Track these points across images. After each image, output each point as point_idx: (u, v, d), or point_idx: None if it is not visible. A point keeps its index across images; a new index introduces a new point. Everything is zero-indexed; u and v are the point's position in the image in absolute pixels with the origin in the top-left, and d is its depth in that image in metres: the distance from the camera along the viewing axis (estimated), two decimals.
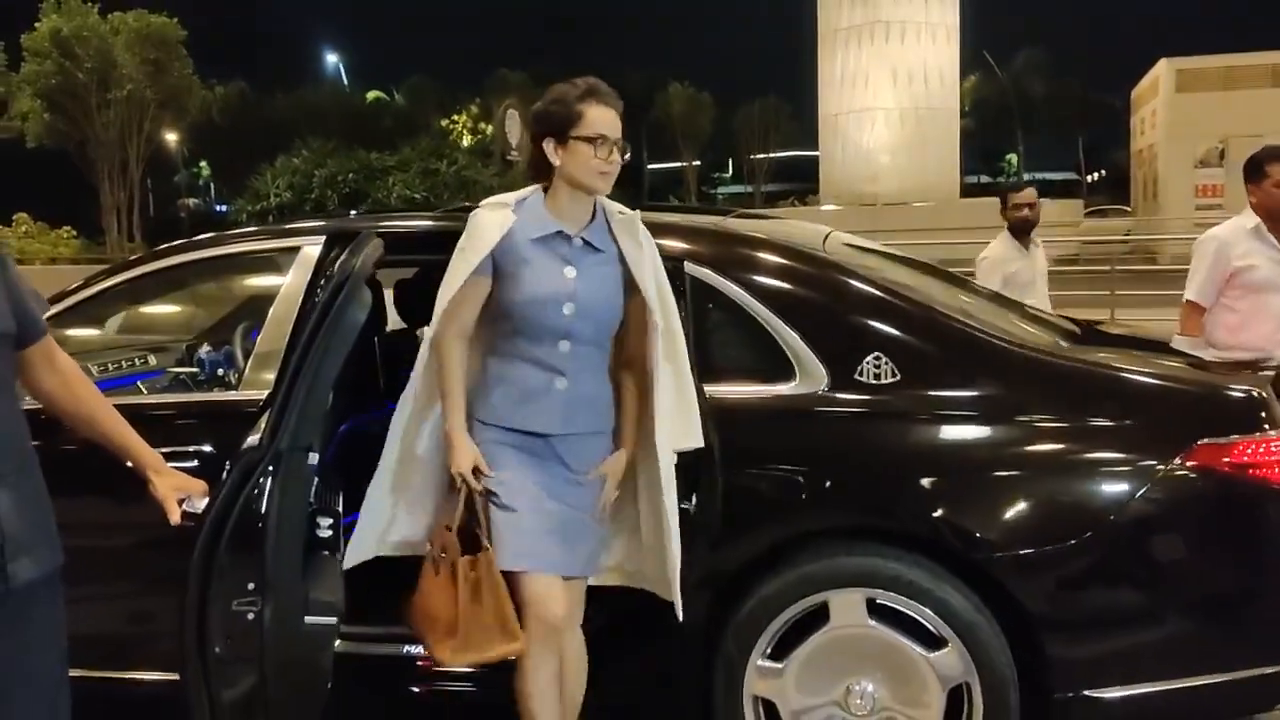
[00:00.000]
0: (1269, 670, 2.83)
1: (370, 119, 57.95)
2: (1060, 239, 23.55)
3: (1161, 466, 2.80)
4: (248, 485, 2.62)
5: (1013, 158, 68.28)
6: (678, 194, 56.30)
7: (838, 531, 3.03)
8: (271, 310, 3.33)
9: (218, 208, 60.57)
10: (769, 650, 3.00)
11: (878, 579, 2.92)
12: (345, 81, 73.90)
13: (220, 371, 3.88)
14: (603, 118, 2.76)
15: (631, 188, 54.34)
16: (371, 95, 69.09)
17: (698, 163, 65.58)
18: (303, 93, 62.06)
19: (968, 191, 44.75)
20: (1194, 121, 28.72)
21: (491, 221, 2.75)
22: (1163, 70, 30.87)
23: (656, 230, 3.14)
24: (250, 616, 2.61)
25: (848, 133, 29.23)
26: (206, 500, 2.49)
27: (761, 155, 62.98)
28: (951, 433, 2.97)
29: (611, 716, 3.21)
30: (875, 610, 2.93)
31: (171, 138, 46.83)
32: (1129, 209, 33.48)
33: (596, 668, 3.02)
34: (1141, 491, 2.81)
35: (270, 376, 3.17)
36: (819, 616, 2.96)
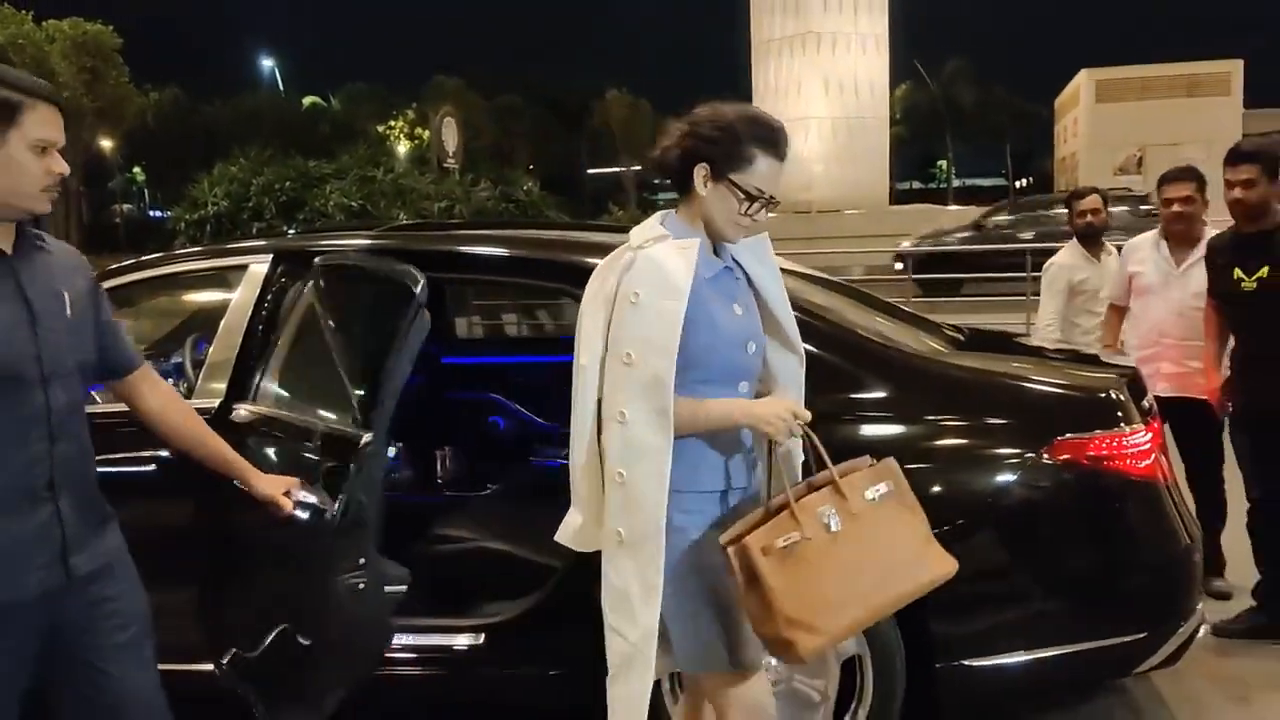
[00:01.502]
0: (1122, 640, 3.18)
1: (307, 125, 57.59)
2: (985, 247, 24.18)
3: (1029, 459, 3.13)
4: (359, 476, 2.92)
5: (944, 164, 69.60)
6: (617, 200, 56.51)
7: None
8: (222, 324, 3.56)
9: (153, 214, 59.77)
10: None
11: None
12: (281, 87, 73.21)
13: (171, 381, 4.08)
14: (771, 172, 2.51)
15: (572, 193, 54.59)
16: (308, 101, 68.60)
17: (637, 168, 65.90)
18: (239, 99, 61.48)
19: (902, 198, 45.57)
20: (1113, 130, 29.61)
21: (679, 265, 2.41)
22: (1083, 81, 31.76)
23: (588, 251, 3.48)
24: (360, 586, 3.02)
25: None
26: (305, 491, 2.80)
27: None
28: (845, 431, 3.25)
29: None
30: None
31: (107, 144, 46.20)
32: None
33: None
34: (1012, 481, 3.14)
35: (221, 386, 3.42)
36: None
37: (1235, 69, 31.76)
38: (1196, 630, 3.28)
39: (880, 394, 3.27)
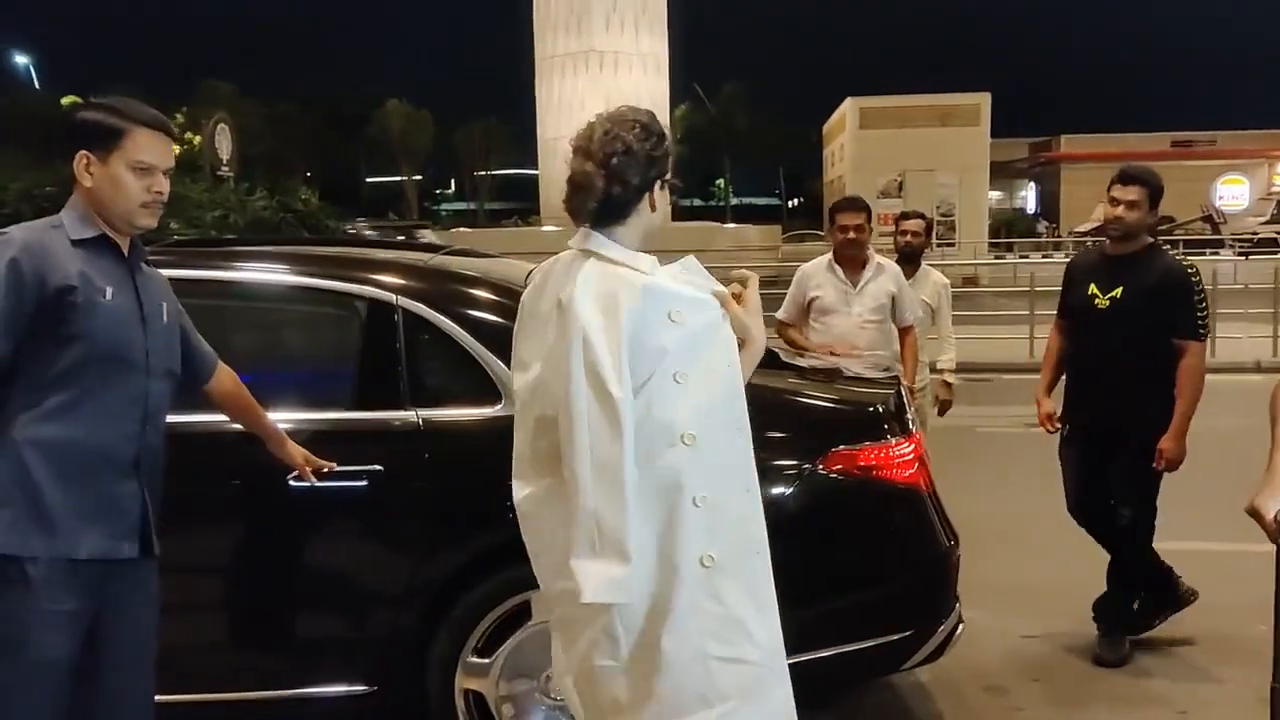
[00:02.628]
0: (893, 638, 3.40)
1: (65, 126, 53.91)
2: (761, 262, 25.09)
3: (806, 470, 3.31)
4: None
5: (722, 183, 71.77)
6: (397, 209, 55.55)
7: None
8: None
9: None
10: (479, 646, 3.33)
11: None
12: (36, 84, 68.40)
13: None
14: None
15: (351, 202, 53.19)
16: (67, 100, 64.28)
17: (419, 178, 64.98)
18: None
19: (684, 215, 46.61)
20: (876, 155, 31.27)
21: (686, 285, 2.46)
22: (848, 108, 33.45)
23: (370, 267, 3.48)
24: None
25: (566, 156, 29.82)
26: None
27: (484, 173, 63.22)
28: None
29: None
30: None
31: None
32: (823, 234, 35.90)
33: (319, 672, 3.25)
34: (790, 492, 3.31)
35: None
36: (523, 614, 3.30)
37: (984, 101, 34.15)
38: (957, 627, 3.53)
39: None
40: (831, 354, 4.59)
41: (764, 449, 3.30)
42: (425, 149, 61.73)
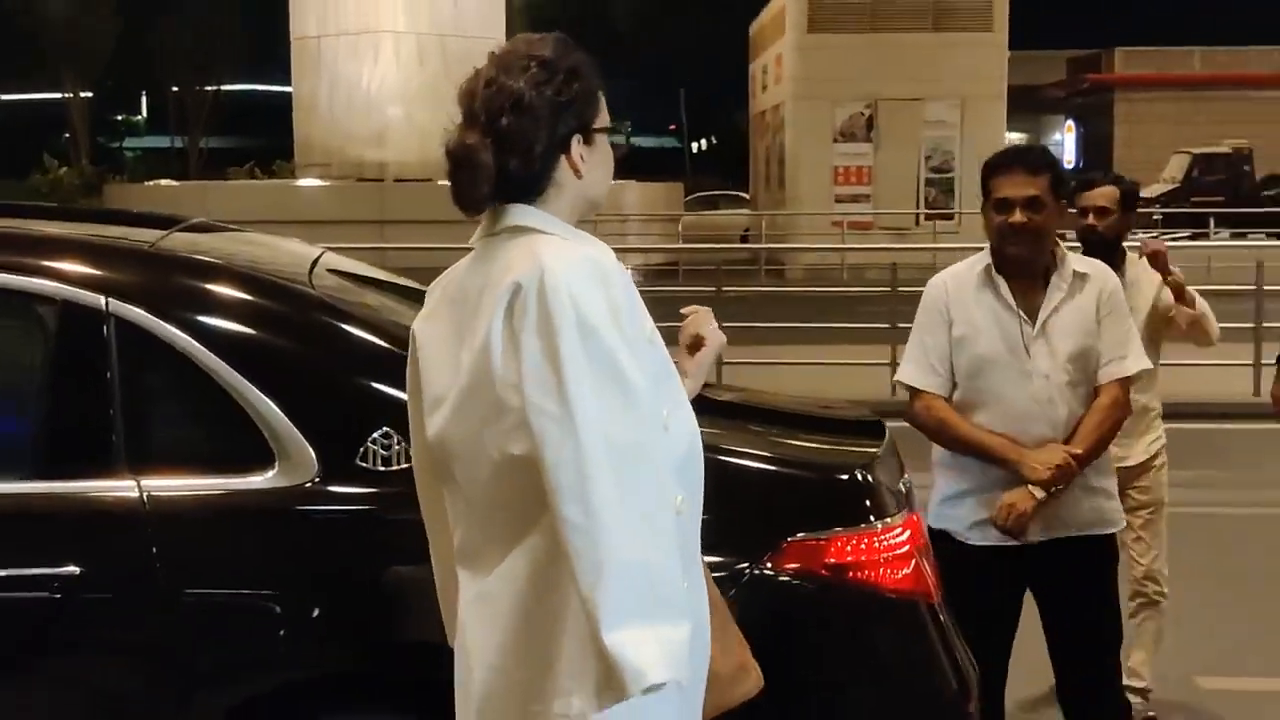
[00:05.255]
0: None
1: None
2: (655, 245, 25.34)
3: (746, 570, 3.47)
4: None
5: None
6: (55, 145, 54.38)
7: (331, 681, 3.49)
8: None
9: None
10: None
11: None
12: None
13: None
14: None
15: None
16: None
17: (89, 95, 63.64)
18: None
19: None
20: (832, 75, 31.69)
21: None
22: (790, 0, 33.83)
23: (61, 251, 3.62)
24: None
25: (336, 67, 29.51)
26: None
27: (203, 89, 62.24)
28: None
29: None
30: None
31: None
32: (747, 197, 36.42)
33: None
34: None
35: None
36: None
37: None
38: None
39: None
40: None
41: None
42: (103, 50, 60.45)
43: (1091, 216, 5.74)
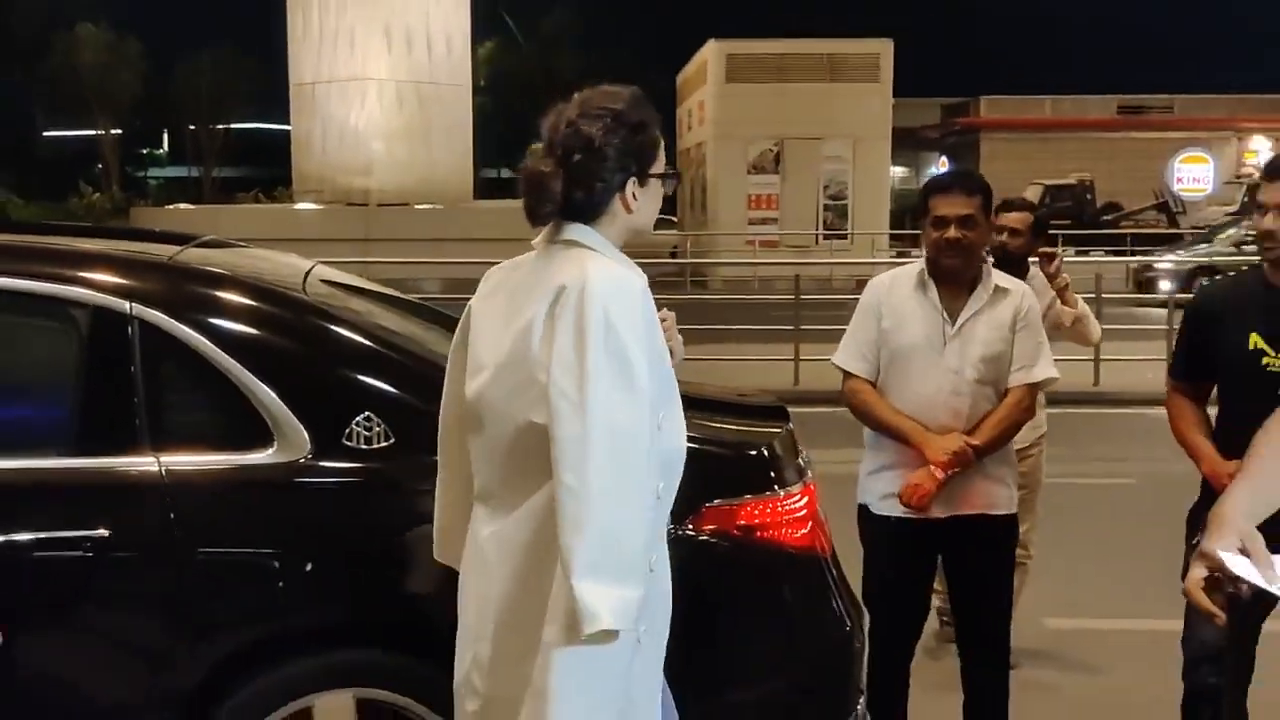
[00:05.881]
0: None
1: None
2: None
3: (673, 533, 3.46)
4: None
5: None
6: (90, 174, 53.82)
7: (323, 627, 3.49)
8: None
9: None
10: None
11: (369, 676, 3.41)
12: None
13: None
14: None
15: (20, 165, 51.24)
16: None
17: (119, 132, 62.99)
18: None
19: (487, 189, 46.47)
20: (746, 117, 31.76)
21: None
22: (711, 54, 33.84)
23: (93, 263, 3.56)
24: None
25: (329, 109, 29.39)
26: None
27: (215, 127, 61.75)
28: None
29: None
30: (368, 711, 3.41)
31: None
32: (674, 220, 36.39)
33: None
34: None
35: None
36: None
37: (885, 50, 35.07)
38: None
39: None
40: None
41: None
42: (131, 93, 59.82)
43: (1006, 235, 5.71)
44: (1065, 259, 5.51)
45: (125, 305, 3.48)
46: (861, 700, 3.81)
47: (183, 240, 4.18)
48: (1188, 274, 23.07)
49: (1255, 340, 3.57)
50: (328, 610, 3.48)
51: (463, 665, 2.92)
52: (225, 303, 3.63)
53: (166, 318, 3.48)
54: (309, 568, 3.43)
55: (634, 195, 2.87)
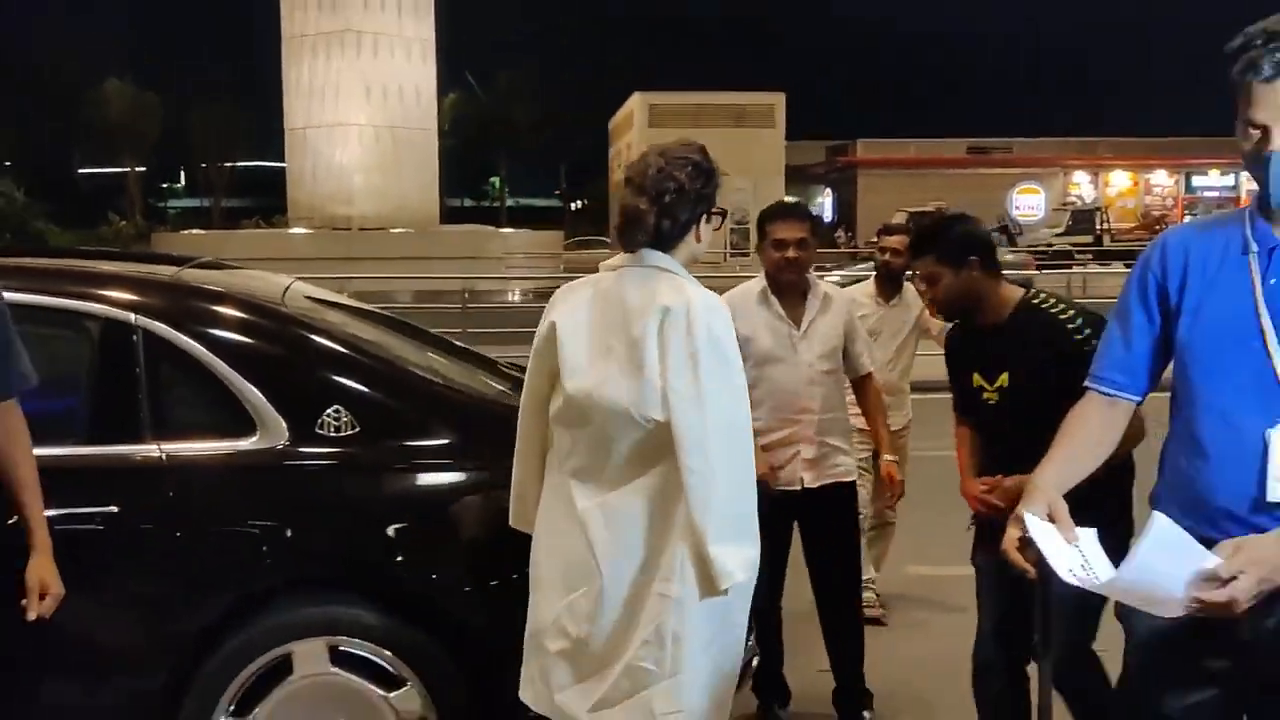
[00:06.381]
0: None
1: None
2: (543, 275, 25.30)
3: None
4: None
5: (496, 181, 71.72)
6: (118, 205, 52.97)
7: (301, 584, 3.43)
8: None
9: None
10: (233, 708, 3.33)
11: (339, 627, 3.35)
12: None
13: None
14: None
15: (62, 198, 50.36)
16: None
17: (142, 169, 62.10)
18: None
19: (453, 216, 46.29)
20: None
21: None
22: (636, 104, 34.12)
23: (105, 282, 3.47)
24: None
25: (318, 149, 29.21)
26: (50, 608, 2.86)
27: (223, 165, 61.08)
28: (409, 481, 3.48)
29: None
30: (339, 657, 3.35)
31: None
32: (609, 240, 36.45)
33: None
34: None
35: None
36: (284, 668, 3.33)
37: (778, 101, 35.49)
38: (751, 660, 3.69)
39: (453, 440, 3.49)
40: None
41: None
42: (152, 136, 58.98)
43: (889, 255, 5.62)
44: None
45: (131, 317, 3.41)
46: (751, 636, 3.79)
47: (181, 261, 4.10)
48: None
49: (976, 379, 3.56)
50: (304, 570, 3.42)
51: (547, 612, 2.96)
52: (215, 314, 3.56)
53: (166, 327, 3.41)
54: (288, 534, 3.38)
55: (701, 229, 2.97)
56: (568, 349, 2.90)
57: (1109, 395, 2.40)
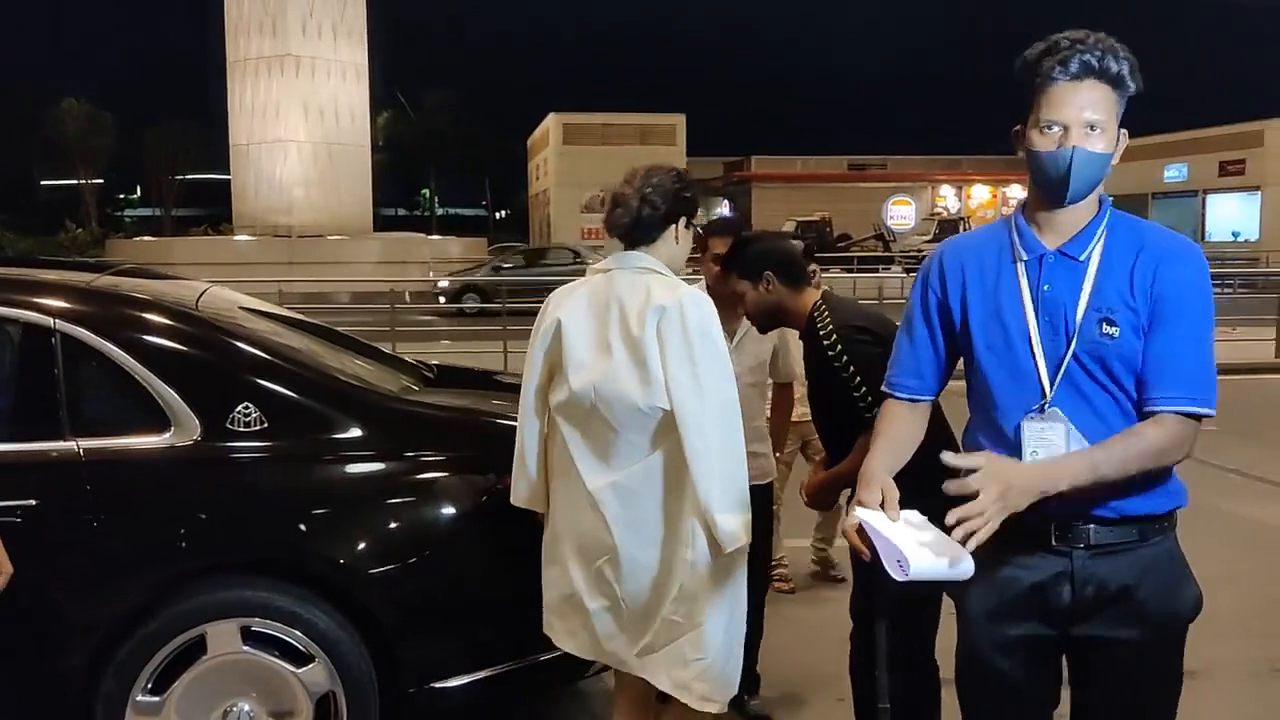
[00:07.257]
0: (564, 651, 3.40)
1: None
2: (470, 277, 25.09)
3: (500, 489, 3.33)
4: None
5: (427, 192, 70.94)
6: (75, 214, 51.37)
7: (214, 569, 3.28)
8: None
9: None
10: (149, 685, 3.18)
11: (251, 608, 3.21)
12: None
13: None
14: None
15: (22, 209, 48.72)
16: None
17: (99, 181, 60.36)
18: None
19: (386, 224, 45.70)
20: (579, 171, 31.92)
21: None
22: (551, 123, 34.00)
23: (26, 289, 3.28)
24: None
25: (260, 163, 28.73)
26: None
27: (172, 177, 59.61)
28: (315, 471, 3.34)
29: None
30: (250, 637, 3.22)
31: None
32: (528, 246, 36.26)
33: None
34: (469, 511, 3.36)
35: None
36: (198, 648, 3.20)
37: (679, 122, 35.59)
38: None
39: (356, 433, 3.38)
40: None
41: (449, 469, 3.40)
42: (106, 151, 57.27)
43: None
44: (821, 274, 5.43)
45: (50, 321, 3.24)
46: None
47: (99, 269, 3.93)
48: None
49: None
50: (215, 556, 3.27)
51: (573, 578, 3.00)
52: (131, 318, 3.39)
53: (84, 331, 3.24)
54: (200, 523, 3.24)
55: (679, 230, 3.01)
56: (572, 346, 2.93)
57: (904, 399, 2.41)
